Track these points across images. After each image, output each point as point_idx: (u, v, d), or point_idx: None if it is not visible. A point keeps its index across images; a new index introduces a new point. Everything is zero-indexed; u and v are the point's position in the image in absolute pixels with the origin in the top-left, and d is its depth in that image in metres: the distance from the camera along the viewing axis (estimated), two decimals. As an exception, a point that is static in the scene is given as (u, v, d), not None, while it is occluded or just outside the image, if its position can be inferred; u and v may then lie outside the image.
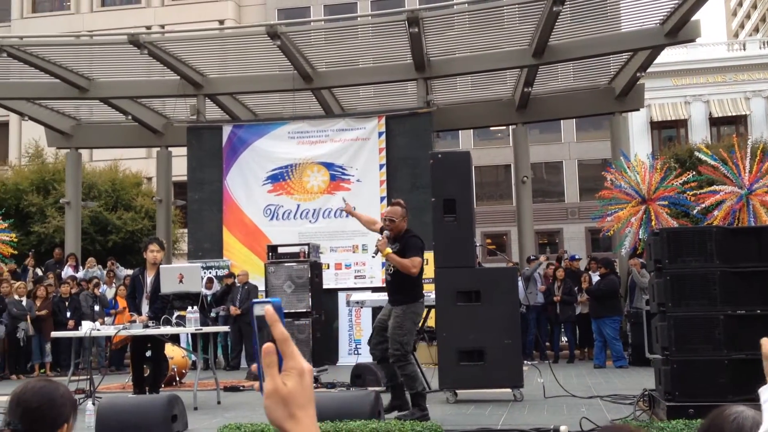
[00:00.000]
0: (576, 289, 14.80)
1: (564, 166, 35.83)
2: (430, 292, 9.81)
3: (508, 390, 8.44)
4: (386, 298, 10.79)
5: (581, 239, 34.24)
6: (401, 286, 7.18)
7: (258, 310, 1.24)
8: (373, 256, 7.45)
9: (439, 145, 18.80)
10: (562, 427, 6.02)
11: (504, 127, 30.54)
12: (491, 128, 32.13)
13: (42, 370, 14.55)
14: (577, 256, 17.37)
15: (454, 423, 6.81)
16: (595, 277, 14.26)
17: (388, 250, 7.09)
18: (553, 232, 35.34)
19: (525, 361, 10.34)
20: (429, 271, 9.74)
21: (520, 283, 13.23)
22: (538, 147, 30.90)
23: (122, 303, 14.59)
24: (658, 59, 17.02)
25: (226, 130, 16.84)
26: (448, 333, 8.41)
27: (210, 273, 15.78)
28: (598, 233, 18.31)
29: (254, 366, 1.76)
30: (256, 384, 1.18)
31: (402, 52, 16.53)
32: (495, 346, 8.21)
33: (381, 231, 7.41)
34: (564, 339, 15.70)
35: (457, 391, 8.45)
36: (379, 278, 15.61)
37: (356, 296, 11.23)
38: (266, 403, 1.14)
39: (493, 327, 8.22)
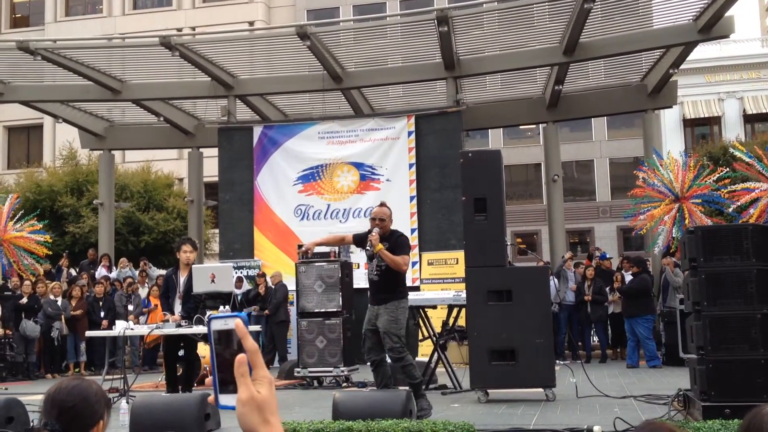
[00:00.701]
0: (608, 288, 14.66)
1: (595, 164, 35.53)
2: (461, 291, 9.80)
3: (540, 390, 8.38)
4: (416, 297, 10.82)
5: (613, 238, 33.93)
6: (389, 285, 7.41)
7: (218, 325, 1.27)
8: (366, 250, 7.52)
9: (469, 144, 18.74)
10: (596, 427, 5.97)
11: (534, 126, 30.36)
12: (521, 127, 31.98)
13: (77, 369, 14.74)
14: (607, 255, 17.19)
15: (486, 423, 6.78)
16: (628, 277, 14.12)
17: (381, 246, 7.30)
18: (584, 231, 35.07)
19: (557, 361, 10.27)
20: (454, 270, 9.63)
21: (552, 283, 13.14)
22: (569, 145, 30.69)
23: (155, 302, 14.73)
24: (691, 55, 16.79)
25: (257, 130, 16.93)
26: (479, 332, 8.37)
27: (240, 273, 15.87)
28: (630, 232, 18.10)
29: (209, 378, 1.77)
30: (221, 397, 1.19)
31: (431, 51, 16.49)
32: (527, 345, 8.16)
33: (369, 231, 7.57)
34: (595, 339, 15.57)
35: (488, 390, 8.41)
36: (409, 277, 15.54)
37: (387, 295, 11.20)
38: (242, 410, 1.21)
39: (524, 326, 8.17)
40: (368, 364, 7.65)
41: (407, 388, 8.34)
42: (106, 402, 2.20)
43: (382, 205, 7.80)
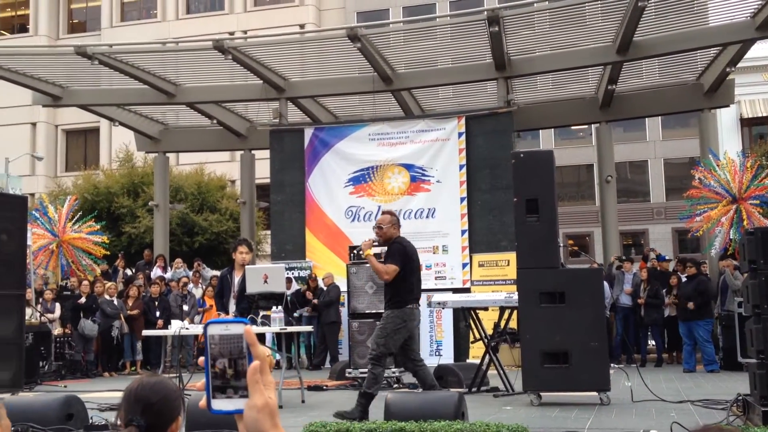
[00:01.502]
0: (664, 291, 14.39)
1: (649, 165, 34.95)
2: (512, 293, 9.74)
3: (594, 393, 8.28)
4: (467, 298, 10.80)
5: (668, 240, 33.33)
6: (390, 293, 7.44)
7: (216, 330, 1.26)
8: (357, 251, 7.58)
9: (520, 145, 18.61)
10: (652, 432, 5.88)
11: (586, 126, 29.99)
12: (573, 127, 31.63)
13: (133, 368, 15.01)
14: (665, 257, 16.87)
15: (540, 426, 6.72)
16: (684, 279, 13.86)
17: (369, 251, 7.47)
18: (638, 233, 34.51)
19: (611, 364, 10.13)
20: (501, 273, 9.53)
21: (606, 285, 12.96)
22: (622, 146, 30.23)
23: (210, 302, 14.94)
24: (749, 53, 16.42)
25: (308, 132, 17.05)
26: (531, 335, 8.30)
27: (291, 274, 15.99)
28: (686, 234, 17.79)
29: (202, 382, 1.76)
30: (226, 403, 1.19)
31: (482, 52, 16.42)
32: (580, 348, 8.07)
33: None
34: (651, 342, 15.30)
35: (541, 393, 8.34)
36: (460, 279, 15.57)
37: (437, 297, 11.21)
38: (257, 416, 1.23)
39: (578, 329, 8.08)
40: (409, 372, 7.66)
41: (459, 390, 8.33)
42: (182, 398, 2.25)
43: (386, 212, 7.93)
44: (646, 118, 30.79)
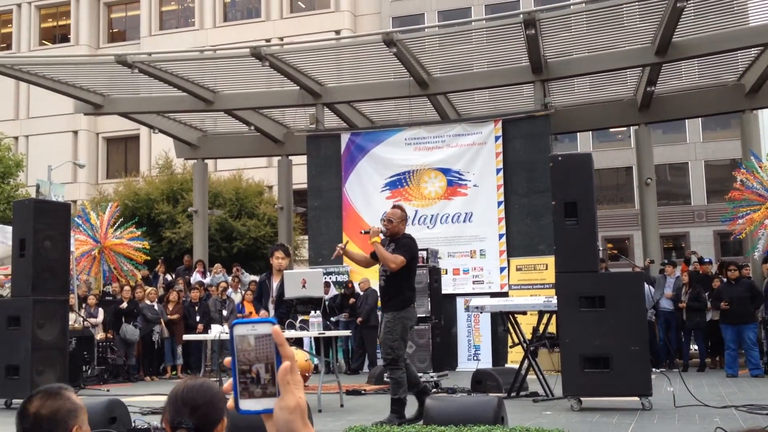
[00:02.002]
0: (706, 294, 14.16)
1: (690, 167, 34.49)
2: (551, 297, 9.68)
3: (636, 398, 8.18)
4: (505, 302, 10.75)
5: (709, 243, 32.83)
6: (394, 291, 7.34)
7: (243, 330, 1.26)
8: (362, 232, 7.49)
9: (557, 148, 18.47)
10: (695, 438, 5.79)
11: (624, 129, 29.71)
12: (611, 130, 31.34)
13: (173, 372, 15.18)
14: (707, 259, 16.61)
15: (581, 431, 6.66)
16: (725, 282, 13.63)
17: (377, 238, 7.28)
18: (679, 236, 34.07)
19: (653, 369, 10.01)
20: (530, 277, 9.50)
21: (647, 289, 12.78)
22: (662, 148, 29.88)
23: (248, 307, 15.05)
24: (792, 52, 16.13)
25: (344, 137, 17.11)
26: (571, 339, 8.23)
27: (328, 278, 16.04)
28: (728, 237, 17.50)
29: (229, 383, 1.76)
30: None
31: (518, 55, 16.35)
32: (621, 352, 7.98)
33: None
34: (693, 347, 15.06)
35: (581, 398, 8.26)
36: (497, 283, 15.50)
37: (476, 301, 11.17)
38: (290, 417, 1.23)
39: (618, 333, 7.99)
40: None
41: (498, 394, 8.29)
42: (226, 401, 2.28)
43: (396, 207, 7.83)
44: (686, 120, 30.38)
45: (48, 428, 2.23)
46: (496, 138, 16.02)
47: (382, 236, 7.42)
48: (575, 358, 8.15)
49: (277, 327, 1.26)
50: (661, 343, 14.21)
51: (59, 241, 10.00)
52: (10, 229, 10.72)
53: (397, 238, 7.48)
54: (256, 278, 15.27)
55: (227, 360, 1.28)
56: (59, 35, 40.75)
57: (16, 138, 37.82)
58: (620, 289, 8.26)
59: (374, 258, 7.54)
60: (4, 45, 40.67)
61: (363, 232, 7.57)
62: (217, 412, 2.18)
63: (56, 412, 2.25)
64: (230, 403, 1.27)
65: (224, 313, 15.34)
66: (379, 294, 7.68)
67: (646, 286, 11.75)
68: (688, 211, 33.96)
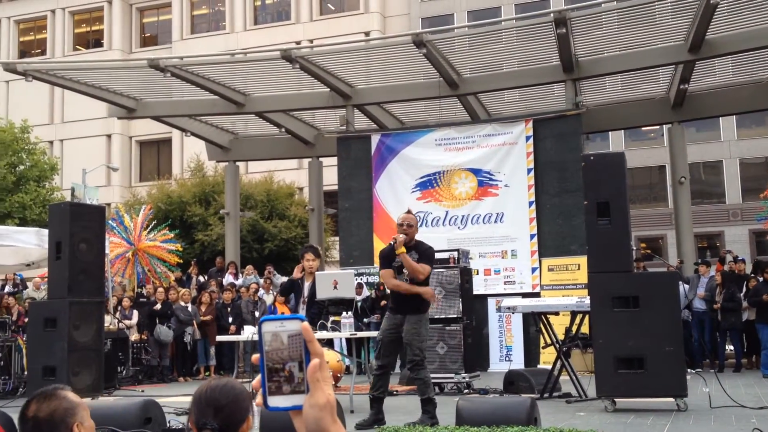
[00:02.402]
0: (741, 294, 13.96)
1: (724, 165, 34.05)
2: (583, 297, 9.60)
3: (671, 399, 8.09)
4: (537, 303, 10.68)
5: (744, 242, 32.38)
6: (415, 298, 7.38)
7: (272, 327, 1.26)
8: (395, 262, 7.40)
9: (588, 147, 18.36)
10: (732, 439, 5.71)
11: (657, 127, 29.42)
12: (643, 128, 31.05)
13: (207, 373, 15.30)
14: (740, 257, 16.37)
15: (614, 432, 6.61)
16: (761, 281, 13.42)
17: (403, 249, 7.28)
18: (713, 235, 33.63)
19: (688, 370, 9.89)
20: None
21: (682, 289, 12.63)
22: (696, 146, 29.54)
23: (280, 308, 15.12)
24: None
25: (375, 139, 17.13)
26: (604, 339, 8.16)
27: (360, 279, 16.07)
28: (764, 235, 17.25)
29: (258, 379, 1.74)
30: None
31: (549, 54, 16.25)
32: (656, 353, 7.90)
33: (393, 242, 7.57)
34: (729, 347, 14.85)
35: (615, 399, 8.19)
36: (529, 284, 15.41)
37: (507, 302, 11.11)
38: (320, 414, 1.23)
39: (653, 333, 7.91)
40: (375, 368, 7.62)
41: (531, 395, 8.25)
42: (251, 399, 2.29)
43: (409, 212, 7.87)
44: (721, 118, 29.99)
45: (48, 430, 2.26)
46: (527, 138, 15.93)
47: (403, 240, 7.40)
48: (609, 358, 8.08)
49: (306, 323, 1.26)
50: (696, 343, 14.03)
51: (94, 244, 10.13)
52: (46, 232, 10.87)
53: (416, 245, 7.50)
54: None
55: (255, 357, 1.28)
56: (93, 40, 41.31)
57: (51, 142, 38.39)
58: (654, 288, 8.18)
59: (397, 272, 7.49)
60: (39, 51, 41.31)
61: (395, 263, 7.47)
62: (241, 411, 2.19)
63: (53, 413, 2.27)
64: (258, 399, 1.27)
65: (256, 314, 15.43)
66: (395, 298, 7.62)
67: (680, 285, 11.62)
68: (723, 210, 33.52)
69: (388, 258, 7.51)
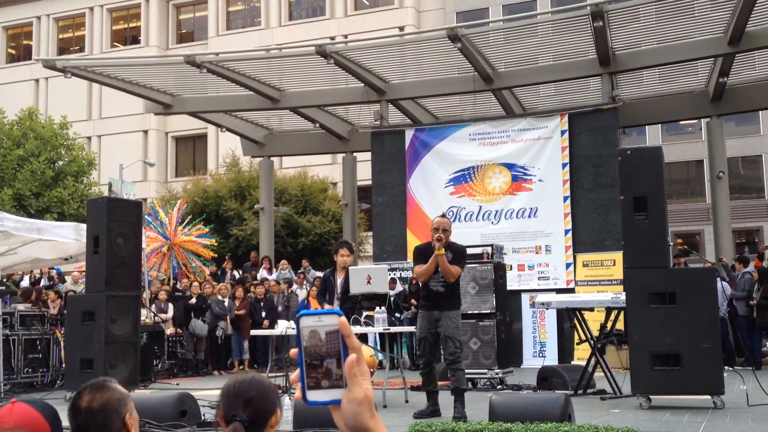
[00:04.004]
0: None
1: (764, 159, 33.47)
2: (619, 293, 9.51)
3: (707, 397, 7.98)
4: (572, 299, 10.59)
5: (785, 238, 31.82)
6: (454, 294, 7.86)
7: (310, 322, 1.27)
8: (433, 246, 7.69)
9: (625, 141, 18.13)
10: (771, 438, 5.62)
11: (695, 121, 29.01)
12: (681, 122, 30.62)
13: (241, 367, 15.42)
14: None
15: (650, 429, 6.54)
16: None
17: (442, 251, 7.64)
18: (752, 231, 33.09)
19: (725, 367, 9.75)
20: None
21: (720, 286, 12.44)
22: (735, 140, 29.06)
23: (314, 303, 15.17)
24: None
25: (408, 134, 17.10)
26: (640, 336, 8.08)
27: (393, 274, 16.06)
28: (805, 231, 16.91)
29: (296, 373, 1.73)
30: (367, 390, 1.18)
31: (585, 48, 16.09)
32: (693, 350, 7.80)
33: (429, 243, 7.89)
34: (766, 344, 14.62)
35: (651, 396, 8.10)
36: (563, 279, 15.29)
37: (541, 297, 11.04)
38: (358, 409, 1.24)
39: (690, 330, 7.81)
40: (420, 365, 8.13)
41: (565, 391, 8.19)
42: (277, 393, 2.31)
43: (443, 215, 8.23)
44: (760, 112, 29.47)
45: (102, 420, 2.28)
46: (562, 132, 15.79)
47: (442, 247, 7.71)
48: (645, 355, 7.99)
49: (343, 318, 1.27)
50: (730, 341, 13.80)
51: (131, 238, 10.25)
52: (84, 226, 11.03)
53: (450, 245, 7.85)
54: (320, 274, 15.41)
55: (293, 351, 1.29)
56: (130, 37, 41.79)
57: (89, 138, 38.95)
58: (692, 285, 8.08)
59: (425, 260, 7.85)
60: (78, 48, 41.90)
61: (435, 244, 7.67)
62: (269, 404, 2.21)
63: (107, 403, 2.30)
64: (297, 394, 1.28)
65: (279, 309, 15.46)
66: (431, 297, 7.87)
67: (719, 282, 11.45)
68: (762, 205, 32.96)
69: (425, 254, 7.82)
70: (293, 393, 8.62)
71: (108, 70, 18.39)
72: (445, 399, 7.93)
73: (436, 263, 7.65)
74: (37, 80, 40.22)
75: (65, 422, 2.38)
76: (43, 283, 17.06)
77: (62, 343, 11.85)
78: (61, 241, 12.84)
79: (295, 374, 1.30)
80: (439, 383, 11.13)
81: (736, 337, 14.25)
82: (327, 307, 8.93)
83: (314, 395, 1.28)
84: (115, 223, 10.00)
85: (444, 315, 7.71)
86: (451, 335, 7.67)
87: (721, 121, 17.45)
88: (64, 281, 17.97)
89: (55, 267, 17.59)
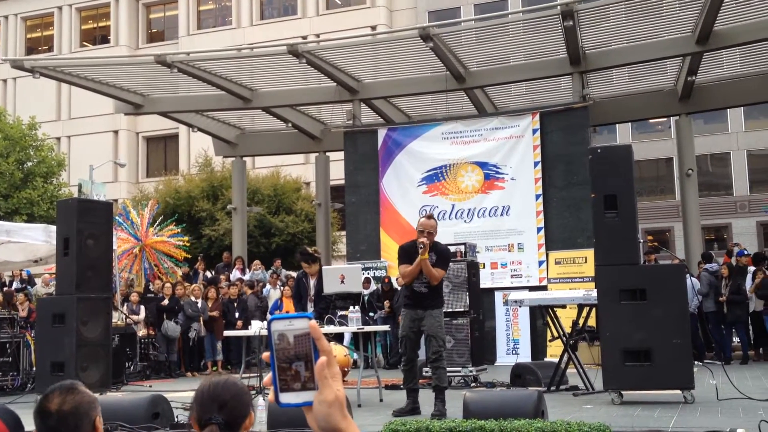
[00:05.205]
0: (746, 286, 13.93)
1: (732, 157, 33.93)
2: (590, 290, 9.60)
3: (677, 392, 8.08)
4: (544, 296, 10.68)
5: (752, 234, 32.28)
6: (437, 294, 7.92)
7: (280, 326, 1.29)
8: (418, 245, 7.69)
9: (596, 140, 18.30)
10: (739, 430, 5.71)
11: (664, 119, 29.31)
12: (651, 120, 30.95)
13: (214, 368, 15.33)
14: (745, 252, 16.33)
15: (622, 425, 6.60)
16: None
17: (426, 255, 7.65)
18: (721, 228, 33.54)
19: (695, 362, 9.88)
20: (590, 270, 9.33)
21: (689, 281, 12.61)
22: (703, 138, 29.43)
23: (287, 303, 15.13)
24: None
25: (381, 133, 17.12)
26: (612, 332, 8.16)
27: (367, 273, 16.07)
28: (772, 227, 17.18)
29: (269, 377, 1.74)
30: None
31: (556, 47, 16.21)
32: (663, 345, 7.89)
33: (414, 242, 7.87)
34: (735, 339, 14.84)
35: (622, 392, 8.19)
36: (536, 277, 15.40)
37: (514, 295, 11.11)
38: (329, 410, 1.26)
39: (660, 326, 7.90)
40: (402, 364, 8.11)
41: (538, 388, 8.25)
42: (250, 396, 2.31)
43: (430, 217, 8.18)
44: (728, 110, 29.88)
45: (74, 423, 2.26)
46: (534, 131, 15.90)
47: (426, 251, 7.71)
48: (616, 351, 8.08)
49: (313, 322, 1.29)
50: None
51: (102, 240, 10.16)
52: (53, 228, 10.91)
53: (434, 246, 7.87)
54: (293, 274, 15.40)
55: (265, 354, 1.30)
56: (99, 36, 41.38)
57: (59, 138, 38.52)
58: (662, 281, 8.17)
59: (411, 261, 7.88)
60: (46, 47, 41.42)
61: (420, 246, 7.69)
62: (243, 406, 2.21)
63: (78, 406, 2.29)
64: (271, 396, 1.30)
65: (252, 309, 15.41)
66: (414, 297, 7.91)
67: (688, 278, 11.60)
68: (731, 202, 33.42)
69: (409, 254, 7.83)
70: (267, 394, 8.60)
71: (77, 70, 18.19)
72: (424, 396, 7.97)
73: (420, 266, 7.68)
74: (5, 80, 39.71)
75: (28, 427, 2.35)
76: (15, 286, 16.84)
77: (32, 347, 11.71)
78: (31, 243, 12.69)
79: (268, 377, 1.32)
80: (421, 381, 11.18)
81: (705, 332, 14.45)
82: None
83: (286, 397, 1.29)
84: (86, 225, 9.90)
85: (428, 314, 7.79)
86: (435, 334, 7.76)
87: (689, 120, 17.66)
88: (33, 284, 17.75)
89: (25, 269, 17.38)
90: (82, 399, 2.30)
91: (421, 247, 7.65)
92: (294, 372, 1.28)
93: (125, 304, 14.82)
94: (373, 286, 15.96)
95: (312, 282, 9.20)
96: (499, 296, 15.05)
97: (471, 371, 10.72)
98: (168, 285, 15.48)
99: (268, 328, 1.30)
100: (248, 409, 2.23)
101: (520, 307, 12.74)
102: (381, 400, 9.05)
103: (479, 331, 11.33)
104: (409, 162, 16.73)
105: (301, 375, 1.28)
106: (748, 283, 14.10)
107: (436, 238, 8.03)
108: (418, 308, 7.84)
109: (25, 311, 13.74)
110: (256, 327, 9.38)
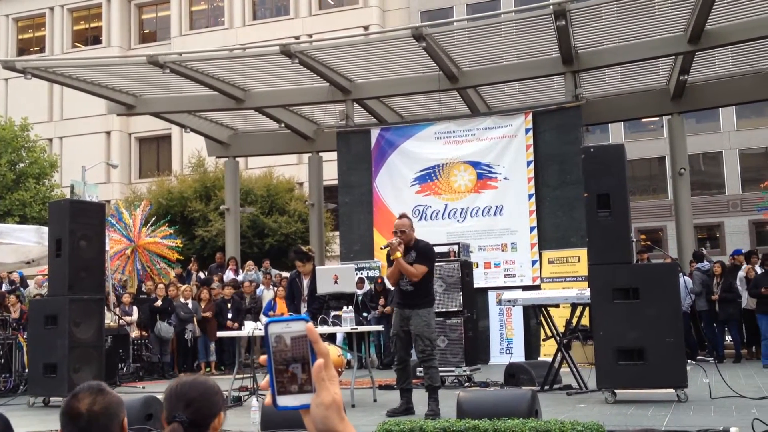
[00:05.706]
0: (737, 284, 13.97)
1: (724, 156, 34.03)
2: (584, 289, 9.61)
3: (671, 390, 8.10)
4: (538, 296, 10.70)
5: (744, 233, 32.38)
6: (424, 292, 7.81)
7: (277, 329, 1.28)
8: (381, 248, 7.85)
9: (588, 139, 18.32)
10: (732, 429, 5.72)
11: (656, 118, 29.39)
12: (643, 120, 31.02)
13: (207, 369, 15.31)
14: (742, 251, 16.39)
15: (616, 423, 6.61)
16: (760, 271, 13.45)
17: (399, 254, 7.63)
18: (713, 226, 33.63)
19: (688, 361, 9.90)
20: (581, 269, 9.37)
21: (682, 280, 12.64)
22: (695, 137, 29.50)
23: (280, 304, 15.10)
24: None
25: (374, 133, 17.12)
26: (605, 331, 8.18)
27: (360, 273, 16.06)
28: (764, 226, 17.25)
29: (266, 380, 1.74)
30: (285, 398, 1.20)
31: (548, 47, 16.22)
32: (656, 344, 7.91)
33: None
34: (728, 338, 14.88)
35: (616, 391, 8.20)
36: (529, 276, 15.41)
37: (508, 295, 11.12)
38: (326, 413, 1.25)
39: (653, 325, 7.92)
40: (395, 364, 8.13)
41: (531, 387, 8.26)
42: (222, 396, 2.29)
43: (402, 216, 8.10)
44: (720, 109, 29.96)
45: (105, 423, 2.25)
46: (527, 130, 15.92)
47: (401, 248, 7.70)
48: (609, 350, 8.09)
49: (310, 324, 1.29)
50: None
51: (94, 241, 10.13)
52: (46, 229, 10.87)
53: (414, 245, 7.83)
54: (285, 274, 15.36)
55: (263, 358, 1.30)
56: (91, 37, 41.24)
57: (51, 139, 38.35)
58: (655, 280, 8.19)
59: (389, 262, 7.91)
60: (38, 48, 41.27)
61: (383, 247, 7.79)
62: (211, 405, 2.19)
63: (108, 406, 2.27)
64: (268, 399, 1.30)
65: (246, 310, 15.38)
66: (402, 294, 7.89)
67: (681, 277, 11.62)
68: (723, 201, 33.52)
69: (389, 256, 7.86)
70: (261, 395, 8.58)
71: (69, 70, 18.13)
72: (418, 396, 7.97)
73: (397, 266, 7.68)
74: (-4, 81, 39.56)
75: (18, 429, 2.33)
76: (5, 287, 16.76)
77: (25, 348, 11.66)
78: (23, 245, 12.65)
79: (265, 380, 1.32)
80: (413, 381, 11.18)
81: (698, 331, 14.49)
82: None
83: (284, 400, 1.29)
84: (78, 226, 9.87)
85: (414, 313, 7.74)
86: (421, 333, 7.70)
87: (682, 119, 17.70)
88: (26, 285, 17.69)
89: (18, 271, 17.31)
90: (111, 399, 2.29)
91: (386, 248, 7.71)
92: (291, 374, 1.28)
93: (118, 305, 14.78)
94: (367, 287, 15.95)
95: (305, 282, 9.19)
96: (492, 296, 15.07)
97: (465, 371, 10.73)
98: (161, 286, 15.44)
99: (265, 331, 1.30)
100: (217, 408, 2.21)
101: (513, 306, 12.74)
102: (375, 401, 9.05)
103: (473, 331, 11.34)
104: (402, 162, 16.73)
105: (298, 377, 1.28)
106: (739, 281, 14.13)
107: (425, 237, 8.03)
108: (405, 307, 7.82)
109: (17, 313, 13.68)
110: (250, 327, 9.36)
